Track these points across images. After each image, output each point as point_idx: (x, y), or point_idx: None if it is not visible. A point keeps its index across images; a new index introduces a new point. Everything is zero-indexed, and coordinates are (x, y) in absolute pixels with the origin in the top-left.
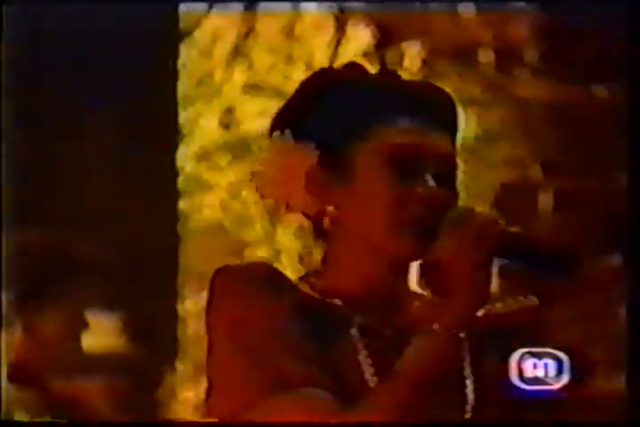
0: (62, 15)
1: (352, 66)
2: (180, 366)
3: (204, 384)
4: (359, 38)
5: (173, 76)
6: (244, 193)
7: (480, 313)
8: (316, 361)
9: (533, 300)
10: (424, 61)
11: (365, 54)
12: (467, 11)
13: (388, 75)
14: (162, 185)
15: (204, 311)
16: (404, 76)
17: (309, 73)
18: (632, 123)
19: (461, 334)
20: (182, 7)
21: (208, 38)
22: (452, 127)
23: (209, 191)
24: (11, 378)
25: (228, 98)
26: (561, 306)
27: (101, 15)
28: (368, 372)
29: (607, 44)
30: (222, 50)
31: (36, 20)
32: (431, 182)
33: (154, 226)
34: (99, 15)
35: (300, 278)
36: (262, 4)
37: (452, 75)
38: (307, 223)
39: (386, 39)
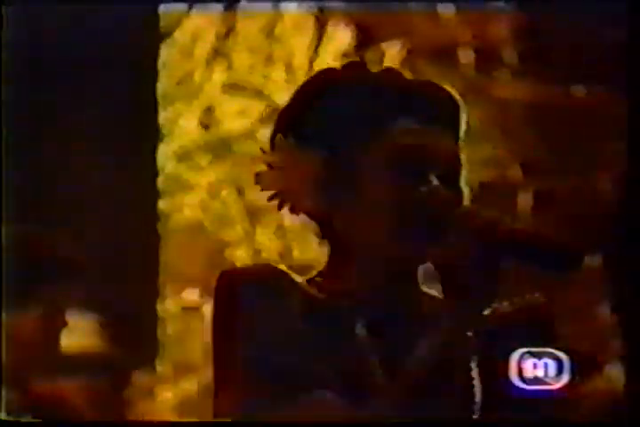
0: (45, 15)
1: (352, 65)
2: (159, 367)
3: (183, 384)
4: (339, 38)
5: (153, 75)
6: (224, 193)
7: (487, 312)
8: (324, 362)
9: (540, 298)
10: (404, 61)
11: (345, 54)
12: (446, 11)
13: (389, 73)
14: (142, 185)
15: (185, 312)
16: (406, 74)
17: (289, 73)
18: (632, 123)
19: (469, 334)
20: (162, 7)
21: (188, 38)
22: (454, 126)
23: (189, 191)
24: None
25: (207, 98)
26: (565, 304)
27: (82, 15)
28: (376, 373)
29: (586, 44)
30: (202, 50)
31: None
32: (435, 182)
33: (134, 226)
34: (80, 15)
35: (307, 280)
36: (242, 4)
37: (431, 75)
38: (312, 225)
39: (366, 39)
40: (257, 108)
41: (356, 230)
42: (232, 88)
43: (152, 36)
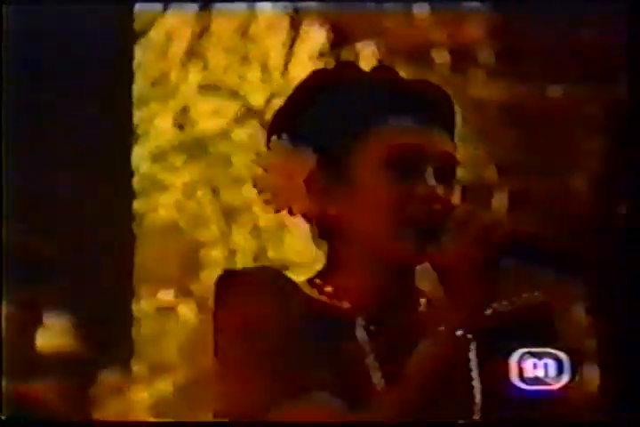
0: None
1: (345, 65)
2: (134, 367)
3: (158, 384)
4: (314, 38)
5: (129, 76)
6: (199, 193)
7: (487, 312)
8: (324, 365)
9: (539, 296)
10: (379, 61)
11: (320, 54)
12: (421, 11)
13: (383, 72)
14: (117, 185)
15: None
16: (401, 73)
17: (264, 73)
18: (632, 123)
19: (469, 336)
20: (138, 7)
21: (163, 38)
22: (449, 125)
23: (164, 191)
24: None
25: (182, 98)
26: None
27: (57, 15)
28: (376, 375)
29: (561, 44)
30: (177, 50)
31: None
32: (432, 181)
33: (109, 226)
34: (54, 16)
35: (307, 281)
36: (217, 5)
37: (406, 75)
38: (309, 227)
39: (340, 39)
40: (232, 108)
41: (354, 231)
42: (207, 88)
43: (127, 35)
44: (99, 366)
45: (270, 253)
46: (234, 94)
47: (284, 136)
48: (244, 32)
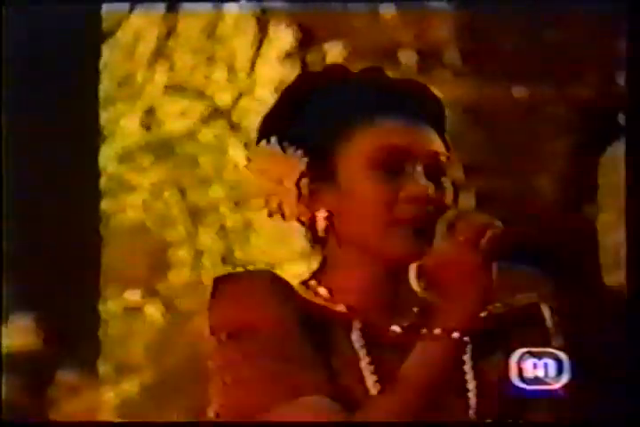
0: None
1: (333, 68)
2: (101, 367)
3: (124, 385)
4: (281, 39)
5: (95, 76)
6: (166, 193)
7: (483, 314)
8: (319, 368)
9: (533, 297)
10: (345, 62)
11: (287, 55)
12: (388, 11)
13: (371, 72)
14: (84, 186)
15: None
16: (400, 73)
17: (231, 73)
18: (631, 123)
19: (465, 338)
20: (105, 7)
21: (130, 39)
22: (439, 124)
23: (131, 192)
24: None
25: (149, 98)
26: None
27: (24, 15)
28: (370, 379)
29: (528, 44)
30: (144, 50)
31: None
32: (422, 181)
33: (76, 226)
34: (23, 15)
35: (302, 283)
36: (184, 5)
37: None
38: (303, 231)
39: (307, 40)
40: (198, 108)
41: (347, 233)
42: (174, 89)
43: (94, 36)
44: (65, 367)
45: (237, 254)
46: (200, 95)
47: (273, 140)
48: (210, 33)
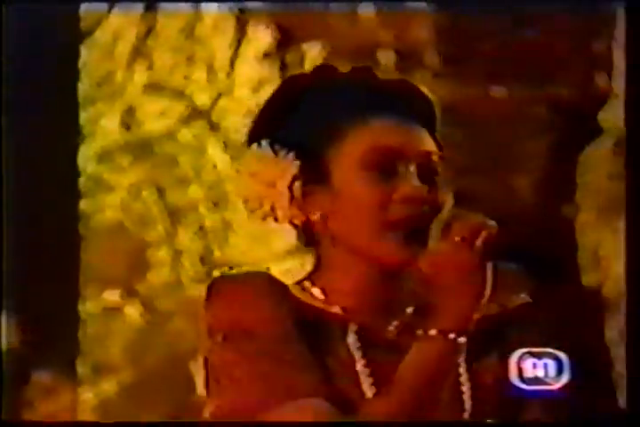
0: None
1: (322, 68)
2: (79, 367)
3: (103, 385)
4: (260, 39)
5: (74, 76)
6: (144, 193)
7: (477, 316)
8: (315, 370)
9: (526, 298)
10: (324, 62)
11: (266, 54)
12: (367, 11)
13: (361, 72)
14: (64, 185)
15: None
16: (379, 73)
17: (210, 73)
18: (631, 123)
19: (461, 339)
20: (83, 7)
21: (109, 38)
22: (430, 123)
23: (110, 192)
24: None
25: (128, 98)
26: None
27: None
28: (366, 382)
29: (507, 45)
30: (123, 50)
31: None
32: (415, 181)
33: (55, 226)
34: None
35: (297, 284)
36: (163, 5)
37: None
38: (296, 233)
39: (286, 40)
40: (178, 108)
41: (340, 235)
42: (153, 89)
43: (73, 35)
44: (43, 367)
45: (216, 254)
46: (180, 94)
47: (264, 143)
48: (189, 32)
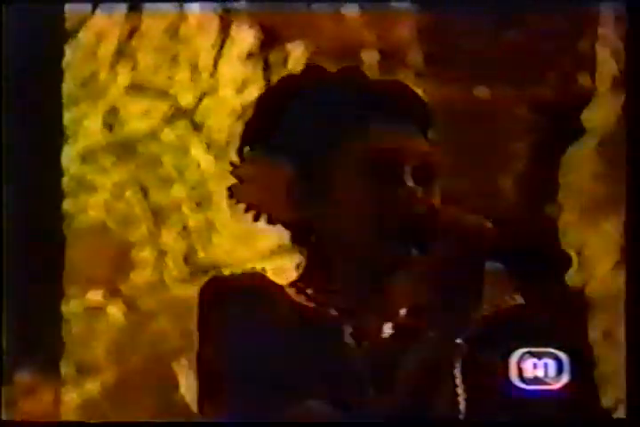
0: None
1: (311, 69)
2: (63, 368)
3: (86, 385)
4: (243, 39)
5: (59, 76)
6: (128, 193)
7: (475, 316)
8: (312, 372)
9: (519, 299)
10: (308, 62)
11: (250, 55)
12: (351, 11)
13: (351, 73)
14: (47, 186)
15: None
16: (367, 73)
17: (194, 73)
18: (631, 123)
19: (458, 341)
20: (67, 7)
21: (93, 39)
22: (424, 124)
23: (93, 192)
24: None
25: (112, 98)
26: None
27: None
28: (365, 383)
29: (489, 45)
30: (107, 50)
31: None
32: (410, 183)
33: (39, 226)
34: None
35: (291, 285)
36: (146, 5)
37: None
38: (289, 235)
39: (270, 40)
40: (161, 108)
41: (335, 237)
42: (137, 89)
43: (58, 36)
44: (26, 367)
45: (200, 254)
46: (163, 94)
47: (258, 146)
48: (173, 33)
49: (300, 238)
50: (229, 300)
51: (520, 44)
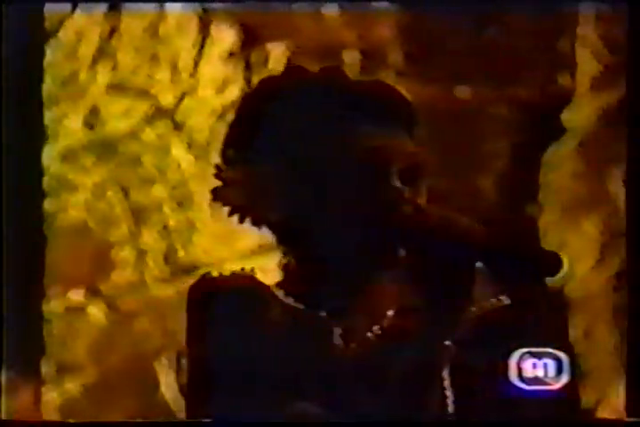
0: None
1: (291, 70)
2: (44, 367)
3: (67, 385)
4: (223, 39)
5: (39, 76)
6: (108, 193)
7: (464, 318)
8: (303, 374)
9: (505, 300)
10: (289, 62)
11: (230, 54)
12: (331, 11)
13: (331, 73)
14: (28, 185)
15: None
16: (348, 72)
17: (174, 73)
18: (632, 123)
19: (447, 342)
20: (47, 7)
21: (73, 38)
22: (409, 124)
23: (74, 192)
24: None
25: (92, 98)
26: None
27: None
28: (355, 384)
29: (470, 45)
30: (87, 50)
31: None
32: (397, 184)
33: (19, 226)
34: None
35: (280, 288)
36: (126, 5)
37: None
38: (275, 237)
39: (250, 40)
40: (142, 108)
41: (322, 238)
42: (117, 88)
43: (38, 35)
44: (7, 367)
45: (180, 254)
46: (144, 94)
47: (241, 149)
48: (153, 32)
49: (286, 240)
50: (218, 300)
51: (500, 44)
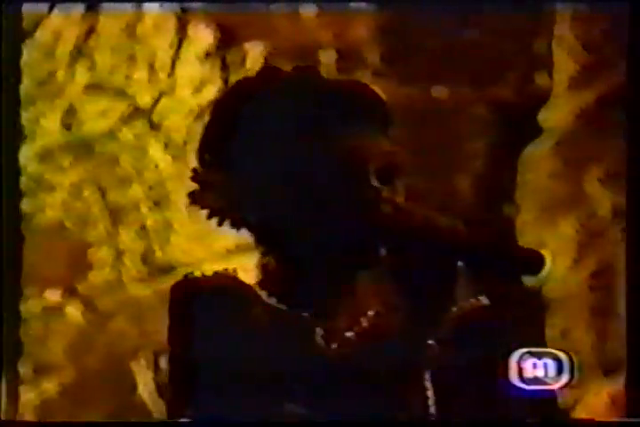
0: None
1: (265, 71)
2: (21, 368)
3: (44, 385)
4: (200, 39)
5: (16, 75)
6: (85, 193)
7: (445, 318)
8: (287, 374)
9: (484, 300)
10: (266, 62)
11: (207, 54)
12: (308, 11)
13: (306, 73)
14: (4, 185)
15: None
16: (325, 72)
17: (152, 73)
18: (632, 123)
19: (431, 342)
20: (25, 7)
21: (50, 38)
22: (384, 125)
23: (51, 191)
24: None
25: (69, 98)
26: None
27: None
28: (339, 384)
29: (447, 44)
30: (64, 50)
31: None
32: (375, 183)
33: None
34: None
35: (262, 288)
36: (103, 5)
37: None
38: (253, 238)
39: (228, 40)
40: (119, 108)
41: (302, 238)
42: (94, 88)
43: (15, 35)
44: None
45: (158, 254)
46: (121, 94)
47: (218, 151)
48: (131, 32)
49: (265, 241)
50: (201, 300)
51: (478, 44)
